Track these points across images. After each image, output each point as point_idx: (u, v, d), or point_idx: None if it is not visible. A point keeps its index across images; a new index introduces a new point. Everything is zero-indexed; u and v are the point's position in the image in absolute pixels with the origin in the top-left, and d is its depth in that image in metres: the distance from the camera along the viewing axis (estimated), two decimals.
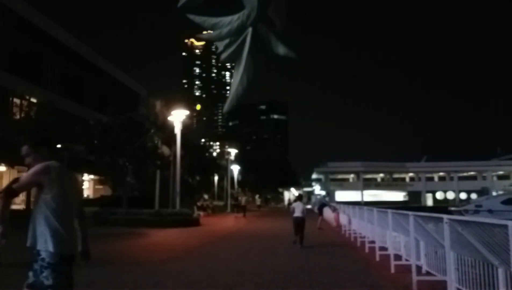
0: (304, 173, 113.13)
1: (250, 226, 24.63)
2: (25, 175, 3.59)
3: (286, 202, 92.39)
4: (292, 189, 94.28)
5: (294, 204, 14.74)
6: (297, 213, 14.20)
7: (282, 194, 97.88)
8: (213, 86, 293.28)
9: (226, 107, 1.82)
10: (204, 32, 1.94)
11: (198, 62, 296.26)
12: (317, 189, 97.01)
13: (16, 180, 3.58)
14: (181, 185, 25.81)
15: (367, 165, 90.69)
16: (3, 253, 7.60)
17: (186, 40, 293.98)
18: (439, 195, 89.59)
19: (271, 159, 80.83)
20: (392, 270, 8.94)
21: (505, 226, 4.45)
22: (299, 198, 15.40)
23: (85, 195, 45.16)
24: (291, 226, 14.51)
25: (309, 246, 13.93)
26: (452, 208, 24.73)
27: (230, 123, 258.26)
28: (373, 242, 12.01)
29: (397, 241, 9.93)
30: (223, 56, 1.84)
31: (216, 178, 52.25)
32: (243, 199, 39.27)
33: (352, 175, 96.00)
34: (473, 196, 68.69)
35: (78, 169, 39.38)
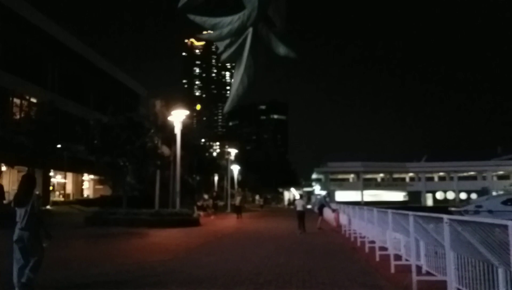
0: (304, 173, 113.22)
1: (250, 227, 24.65)
2: None
3: (286, 202, 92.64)
4: (292, 189, 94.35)
5: (296, 201, 19.97)
6: (299, 208, 19.64)
7: (282, 194, 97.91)
8: (213, 86, 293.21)
9: (227, 107, 1.82)
10: (204, 32, 1.94)
11: (198, 62, 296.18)
12: (317, 189, 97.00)
13: None
14: (181, 185, 25.80)
15: (367, 165, 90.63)
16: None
17: (186, 40, 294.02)
18: (439, 195, 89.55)
19: (270, 159, 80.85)
20: (392, 270, 8.94)
21: (505, 226, 4.45)
22: (300, 197, 20.07)
23: (85, 195, 45.25)
24: (292, 225, 16.37)
25: (309, 245, 13.96)
26: (452, 209, 24.66)
27: (230, 123, 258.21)
28: (373, 242, 12.01)
29: (397, 241, 9.93)
30: (224, 56, 1.84)
31: (216, 178, 52.29)
32: (237, 199, 36.59)
33: (352, 175, 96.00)
34: (473, 196, 68.62)
35: (78, 169, 39.57)
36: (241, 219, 30.34)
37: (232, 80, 1.83)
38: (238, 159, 57.12)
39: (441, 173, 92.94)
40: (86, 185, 46.94)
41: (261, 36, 1.75)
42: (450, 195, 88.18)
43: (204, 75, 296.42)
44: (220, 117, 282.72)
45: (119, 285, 7.67)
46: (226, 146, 79.35)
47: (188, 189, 35.92)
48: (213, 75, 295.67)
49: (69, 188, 43.89)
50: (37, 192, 7.21)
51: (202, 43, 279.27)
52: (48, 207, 33.45)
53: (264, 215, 41.30)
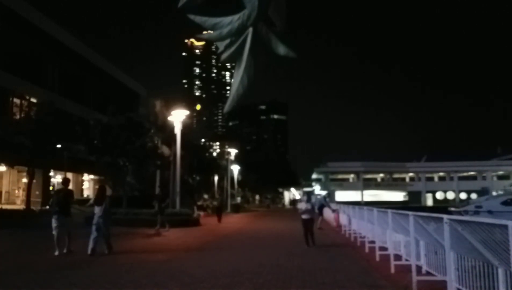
0: (304, 173, 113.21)
1: (250, 227, 24.67)
2: None
3: (287, 202, 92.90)
4: (292, 189, 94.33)
5: (299, 204, 19.36)
6: (305, 216, 19.28)
7: (282, 194, 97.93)
8: (213, 86, 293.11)
9: (227, 107, 1.82)
10: (204, 32, 1.93)
11: (198, 62, 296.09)
12: (317, 189, 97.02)
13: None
14: (181, 185, 25.77)
15: (367, 165, 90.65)
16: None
17: (186, 40, 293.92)
18: (439, 195, 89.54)
19: (270, 159, 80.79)
20: (392, 270, 8.94)
21: (505, 226, 4.45)
22: (307, 198, 19.02)
23: (85, 195, 45.23)
24: (291, 225, 16.72)
25: (309, 246, 13.94)
26: (452, 209, 24.71)
27: (230, 123, 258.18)
28: (373, 242, 12.00)
29: (397, 241, 9.92)
30: (224, 56, 1.84)
31: (216, 178, 52.24)
32: (218, 200, 33.45)
33: (352, 175, 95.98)
34: (473, 196, 68.62)
35: (78, 169, 39.54)
36: (221, 224, 26.21)
37: (232, 80, 1.83)
38: (238, 159, 57.07)
39: (441, 173, 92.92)
40: (86, 185, 46.95)
41: (261, 36, 1.75)
42: (450, 195, 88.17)
43: (204, 75, 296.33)
44: (220, 117, 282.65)
45: (119, 285, 7.66)
46: (226, 146, 79.42)
47: (188, 189, 35.83)
48: (213, 75, 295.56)
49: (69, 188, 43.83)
50: (109, 195, 12.83)
51: (202, 43, 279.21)
52: (47, 207, 33.36)
53: (265, 215, 41.32)
